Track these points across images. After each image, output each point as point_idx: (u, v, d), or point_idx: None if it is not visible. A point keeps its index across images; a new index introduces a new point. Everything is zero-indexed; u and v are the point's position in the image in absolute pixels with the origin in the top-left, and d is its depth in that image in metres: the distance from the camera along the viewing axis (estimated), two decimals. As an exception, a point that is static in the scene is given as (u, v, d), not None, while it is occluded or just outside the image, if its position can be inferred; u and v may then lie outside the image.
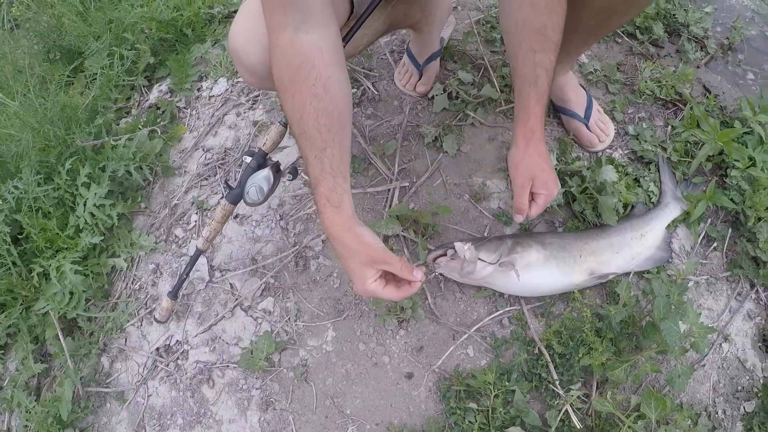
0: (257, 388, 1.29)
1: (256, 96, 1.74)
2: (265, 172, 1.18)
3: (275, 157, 1.36)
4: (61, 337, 1.45)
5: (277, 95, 1.02)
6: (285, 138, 1.28)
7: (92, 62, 1.84)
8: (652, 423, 1.14)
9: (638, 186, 1.45)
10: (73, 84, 2.06)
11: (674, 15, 1.85)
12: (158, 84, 1.89)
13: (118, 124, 1.78)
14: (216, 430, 1.28)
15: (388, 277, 1.00)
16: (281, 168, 1.23)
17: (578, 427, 1.15)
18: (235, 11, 2.04)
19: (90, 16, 1.93)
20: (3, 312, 1.54)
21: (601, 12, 1.16)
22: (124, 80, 1.79)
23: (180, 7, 1.91)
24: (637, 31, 1.81)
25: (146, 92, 1.89)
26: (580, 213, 1.38)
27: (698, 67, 1.80)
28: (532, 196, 1.15)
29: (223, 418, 1.29)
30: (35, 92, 1.71)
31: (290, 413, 1.26)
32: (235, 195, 1.21)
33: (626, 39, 1.81)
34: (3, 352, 1.53)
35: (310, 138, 0.94)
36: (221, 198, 1.33)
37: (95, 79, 1.89)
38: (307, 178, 1.54)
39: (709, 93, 1.71)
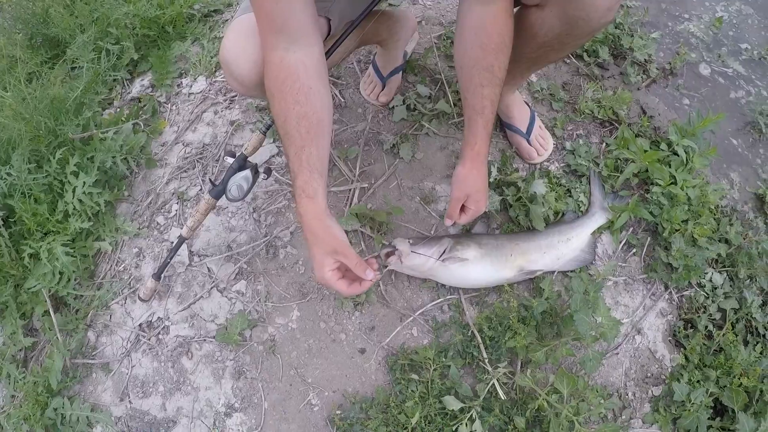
0: (231, 360, 1.59)
1: (233, 96, 2.03)
2: (245, 173, 1.46)
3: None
4: (51, 312, 1.70)
5: (268, 102, 1.28)
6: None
7: (77, 54, 2.09)
8: (564, 397, 1.50)
9: (569, 196, 1.78)
10: (53, 69, 2.34)
11: (620, 40, 2.22)
12: (140, 78, 2.16)
13: (102, 115, 2.07)
14: (194, 396, 1.57)
15: (345, 272, 1.24)
16: (259, 169, 1.55)
17: (503, 398, 1.47)
18: (215, 10, 2.34)
19: (76, 8, 2.19)
20: None
21: (541, 48, 1.45)
22: (109, 75, 2.08)
23: (163, 6, 2.17)
24: (585, 53, 2.13)
25: (128, 85, 2.16)
26: (515, 218, 1.71)
27: (639, 89, 2.14)
28: (463, 208, 1.46)
29: (201, 386, 1.58)
30: (25, 84, 1.99)
31: (259, 381, 1.56)
32: (218, 191, 1.48)
33: (574, 60, 2.13)
34: None
35: (292, 137, 1.22)
36: (205, 193, 1.64)
37: (78, 68, 2.15)
38: (279, 177, 1.85)
39: (645, 114, 2.08)
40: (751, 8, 2.59)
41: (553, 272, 1.66)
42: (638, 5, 2.43)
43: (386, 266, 1.54)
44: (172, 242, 1.76)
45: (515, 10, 1.36)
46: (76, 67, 2.18)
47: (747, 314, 1.73)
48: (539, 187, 1.67)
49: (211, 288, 1.69)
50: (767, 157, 2.11)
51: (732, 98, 2.24)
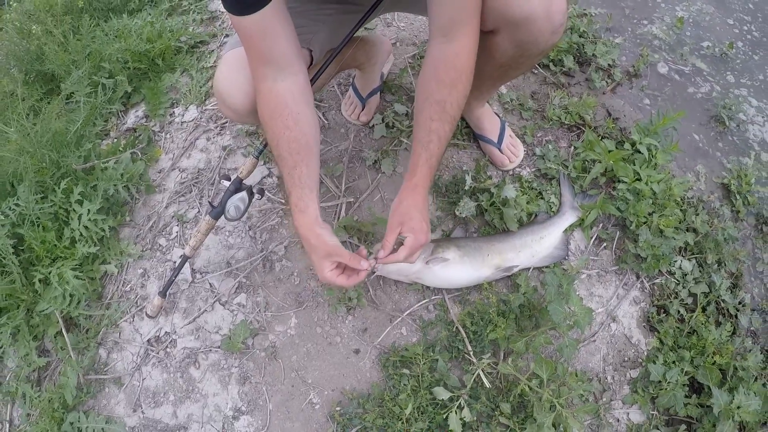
0: (236, 367, 1.76)
1: (224, 123, 2.23)
2: (242, 195, 1.65)
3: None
4: (64, 332, 1.87)
5: (261, 127, 1.46)
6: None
7: (73, 88, 2.28)
8: (544, 381, 1.68)
9: (541, 198, 1.96)
10: (49, 104, 2.53)
11: (584, 48, 2.42)
12: (134, 109, 2.35)
13: (100, 146, 2.26)
14: (203, 402, 1.74)
15: (344, 269, 1.43)
16: (253, 190, 1.74)
17: (488, 386, 1.65)
18: (200, 42, 2.54)
19: (70, 45, 2.39)
20: (4, 315, 2.00)
21: (500, 67, 1.63)
22: (105, 108, 2.28)
23: (152, 39, 2.38)
24: (551, 63, 2.33)
25: (123, 116, 2.35)
26: (490, 221, 1.90)
27: (604, 93, 2.34)
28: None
29: (209, 393, 1.75)
30: (26, 119, 2.17)
31: (263, 385, 1.73)
32: (218, 212, 1.66)
33: (541, 70, 2.33)
34: (2, 351, 2.00)
35: (284, 159, 1.41)
36: (205, 215, 1.82)
37: (73, 100, 2.33)
38: (271, 196, 2.04)
39: (610, 116, 2.28)
40: (712, 6, 2.82)
41: (528, 269, 1.85)
42: (602, 12, 2.65)
43: (374, 272, 1.72)
44: (175, 262, 1.95)
45: None
46: (71, 101, 2.37)
47: (717, 297, 1.91)
48: (510, 191, 1.86)
49: (214, 302, 1.88)
50: (731, 148, 2.32)
51: (695, 95, 2.45)
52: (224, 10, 2.65)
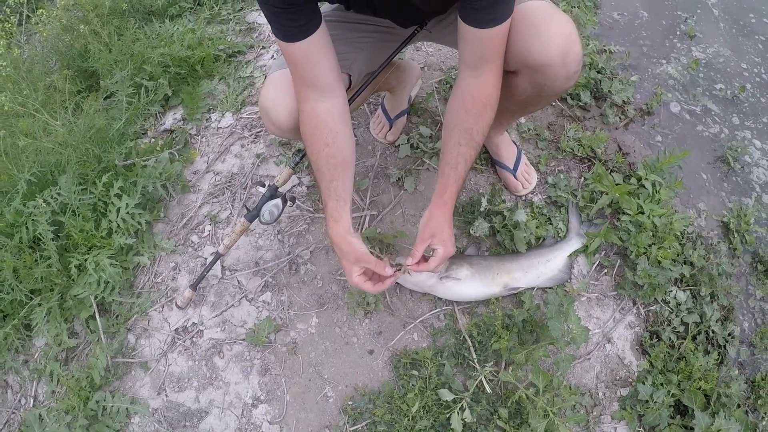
0: (258, 359, 2.01)
1: (258, 131, 2.49)
2: (277, 201, 1.90)
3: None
4: (97, 316, 2.10)
5: (303, 143, 1.71)
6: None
7: (116, 88, 2.53)
8: (540, 390, 1.92)
9: (549, 224, 2.22)
10: (87, 97, 2.77)
11: (600, 84, 2.68)
12: (172, 112, 2.62)
13: (138, 144, 2.53)
14: (224, 390, 1.98)
15: (371, 275, 1.68)
16: (287, 198, 1.99)
17: (489, 391, 1.89)
18: (238, 51, 2.81)
19: (114, 46, 2.64)
20: (38, 296, 2.21)
21: (519, 103, 1.87)
22: (147, 110, 2.55)
23: (192, 47, 2.65)
24: (569, 97, 2.58)
25: (161, 117, 2.62)
26: (501, 242, 2.15)
27: (617, 128, 2.60)
28: (432, 250, 1.73)
29: (231, 381, 1.99)
30: (72, 114, 2.43)
31: (282, 377, 1.98)
32: (253, 216, 1.91)
33: (559, 103, 2.59)
34: (37, 329, 2.24)
35: (322, 173, 1.66)
36: (241, 217, 2.08)
37: (115, 100, 2.58)
38: (300, 204, 2.29)
39: (620, 151, 2.54)
40: (729, 50, 3.08)
41: (533, 288, 2.10)
42: (621, 50, 2.91)
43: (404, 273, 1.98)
44: (206, 258, 2.20)
45: None
46: (108, 97, 2.64)
47: (707, 327, 2.12)
48: (521, 215, 2.13)
49: (241, 298, 2.13)
50: (734, 188, 2.54)
51: (704, 135, 2.69)
52: (261, 23, 2.95)
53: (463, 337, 2.01)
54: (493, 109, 1.67)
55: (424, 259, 1.73)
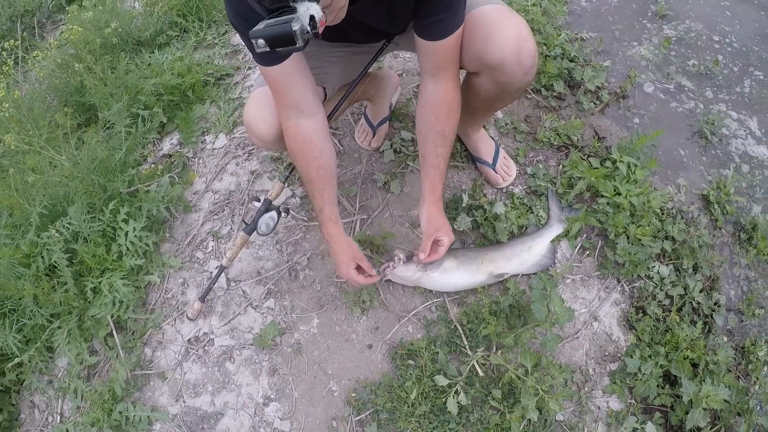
0: (266, 361, 2.24)
1: (251, 149, 2.74)
2: (272, 213, 2.14)
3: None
4: (115, 333, 2.33)
5: (290, 157, 1.97)
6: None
7: (114, 119, 2.75)
8: (528, 369, 2.13)
9: (531, 213, 2.43)
10: (87, 129, 3.03)
11: (573, 72, 2.88)
12: (168, 137, 2.87)
13: (140, 171, 2.78)
14: (237, 392, 2.22)
15: (360, 270, 2.05)
16: (281, 210, 2.22)
17: (481, 374, 2.11)
18: (226, 74, 3.07)
19: (108, 80, 2.89)
20: (57, 320, 2.44)
21: (487, 101, 2.08)
22: (145, 138, 2.81)
23: (182, 74, 2.91)
24: (543, 88, 2.78)
25: (158, 143, 2.87)
26: (484, 234, 2.37)
27: (593, 114, 2.80)
28: (437, 242, 2.06)
29: (243, 383, 2.23)
30: (73, 148, 2.68)
31: (290, 376, 2.21)
32: (250, 229, 2.15)
33: (534, 95, 2.80)
34: (59, 350, 2.46)
35: (314, 183, 1.94)
36: (239, 231, 2.32)
37: (114, 130, 2.83)
38: (295, 215, 2.53)
39: (597, 136, 2.75)
40: (700, 24, 3.26)
41: (518, 275, 2.32)
42: (594, 36, 3.12)
43: (385, 276, 2.23)
44: (212, 272, 2.45)
45: (463, 75, 2.04)
46: (107, 128, 2.89)
47: (691, 299, 2.31)
48: (499, 208, 2.36)
49: (246, 306, 2.38)
50: (713, 161, 2.72)
51: (680, 111, 2.87)
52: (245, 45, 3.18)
53: (454, 325, 2.24)
54: (457, 110, 1.94)
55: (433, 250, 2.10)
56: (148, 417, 2.22)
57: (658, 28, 3.22)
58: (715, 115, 2.86)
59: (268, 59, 1.74)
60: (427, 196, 2.04)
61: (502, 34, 1.79)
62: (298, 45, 1.22)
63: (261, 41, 1.26)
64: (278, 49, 1.26)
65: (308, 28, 1.21)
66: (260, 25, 1.24)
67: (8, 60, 3.02)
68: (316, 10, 1.22)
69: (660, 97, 2.94)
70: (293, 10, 1.21)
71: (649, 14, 3.30)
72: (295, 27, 1.19)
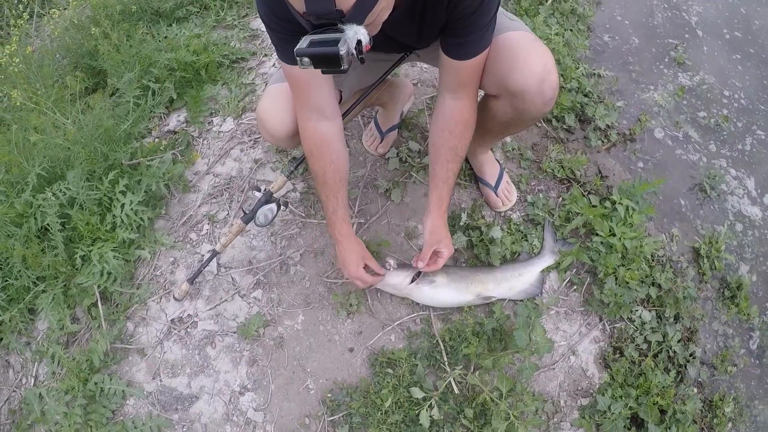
0: (247, 350, 2.35)
1: (257, 138, 2.85)
2: (271, 206, 2.24)
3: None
4: (99, 304, 2.42)
5: (307, 158, 2.07)
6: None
7: (123, 88, 2.84)
8: (503, 394, 2.24)
9: (525, 240, 2.55)
10: (94, 92, 3.11)
11: (585, 107, 3.02)
12: (176, 113, 2.98)
13: (143, 144, 2.88)
14: (215, 377, 2.31)
15: (367, 269, 2.19)
16: (280, 203, 2.33)
17: (456, 392, 2.22)
18: (241, 58, 3.17)
19: (122, 48, 2.97)
20: (43, 283, 2.49)
21: (501, 124, 2.18)
22: (152, 111, 2.90)
23: (198, 52, 3.00)
24: (554, 119, 2.91)
25: (165, 118, 2.97)
26: (477, 255, 2.49)
27: (599, 152, 2.95)
28: (437, 253, 2.19)
29: (221, 370, 2.32)
30: (79, 113, 2.77)
31: (269, 368, 2.32)
32: (248, 218, 2.24)
33: (544, 124, 2.93)
34: (43, 313, 2.46)
35: (329, 185, 2.05)
36: (237, 218, 2.43)
37: (121, 98, 2.92)
38: (293, 209, 2.64)
39: (600, 174, 2.89)
40: (713, 78, 3.43)
41: (505, 300, 2.44)
42: (611, 75, 3.26)
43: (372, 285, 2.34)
44: (203, 255, 2.55)
45: (482, 96, 2.15)
46: (113, 94, 2.98)
47: (669, 347, 2.43)
48: (496, 232, 2.49)
49: (234, 294, 2.48)
50: (707, 215, 2.86)
51: (684, 161, 3.01)
52: (264, 31, 3.29)
53: (437, 340, 2.36)
54: (472, 128, 2.05)
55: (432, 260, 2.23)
56: (123, 391, 2.31)
57: (674, 75, 3.37)
58: (716, 170, 3.00)
59: (294, 58, 1.83)
60: (434, 208, 2.15)
61: (528, 63, 1.88)
62: (342, 68, 1.27)
63: (306, 60, 1.29)
64: (322, 69, 1.31)
65: (354, 53, 1.27)
66: (304, 43, 1.29)
67: (23, 14, 3.10)
68: (363, 35, 1.27)
69: (667, 144, 3.08)
70: (338, 29, 1.26)
71: (667, 60, 3.45)
72: (342, 51, 1.24)
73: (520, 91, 1.92)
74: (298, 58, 1.29)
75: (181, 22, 3.27)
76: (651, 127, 3.11)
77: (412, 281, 2.34)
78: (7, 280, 2.46)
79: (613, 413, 2.28)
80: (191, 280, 2.40)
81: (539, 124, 2.96)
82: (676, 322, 2.53)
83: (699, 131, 3.17)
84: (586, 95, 3.06)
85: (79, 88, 2.88)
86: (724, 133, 3.19)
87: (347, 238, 2.16)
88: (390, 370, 2.30)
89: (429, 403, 2.21)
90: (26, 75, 2.87)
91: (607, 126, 3.00)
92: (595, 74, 3.23)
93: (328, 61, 1.27)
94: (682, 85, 3.30)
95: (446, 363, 2.32)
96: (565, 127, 2.96)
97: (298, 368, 2.34)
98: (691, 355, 2.50)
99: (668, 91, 3.28)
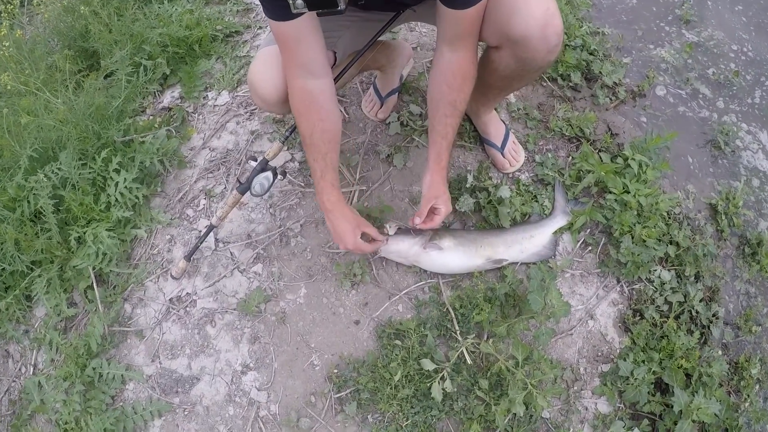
0: (248, 328, 2.12)
1: (253, 109, 2.59)
2: (267, 174, 2.01)
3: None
4: (95, 286, 2.21)
5: (294, 117, 1.83)
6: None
7: (116, 67, 2.63)
8: (519, 362, 2.01)
9: (535, 201, 2.30)
10: (88, 76, 2.88)
11: (591, 65, 2.74)
12: (170, 90, 2.73)
13: (137, 121, 2.63)
14: (216, 357, 2.09)
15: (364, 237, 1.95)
16: (277, 171, 2.09)
17: (469, 362, 2.00)
18: (236, 31, 2.92)
19: (113, 26, 2.74)
20: (38, 268, 2.31)
21: (504, 79, 1.96)
22: (146, 88, 2.66)
23: (191, 27, 2.76)
24: (559, 77, 2.66)
25: (159, 95, 2.72)
26: (486, 217, 2.24)
27: (607, 109, 2.69)
28: (434, 210, 1.96)
29: (222, 349, 2.10)
30: (72, 93, 2.54)
31: (271, 345, 2.08)
32: (244, 188, 2.00)
33: (549, 83, 2.67)
34: (36, 299, 2.32)
35: (317, 146, 1.81)
36: (233, 189, 2.18)
37: (115, 78, 2.67)
38: (292, 179, 2.40)
39: (610, 132, 2.62)
40: (722, 32, 3.15)
41: (517, 263, 2.19)
42: (615, 32, 2.98)
43: (376, 254, 2.10)
44: (200, 231, 2.30)
45: (483, 49, 1.91)
46: (108, 76, 2.74)
47: (691, 307, 2.20)
48: (504, 191, 2.23)
49: (233, 269, 2.24)
50: (723, 171, 2.62)
51: (694, 118, 2.75)
52: (258, 3, 3.03)
53: (447, 309, 2.11)
54: (471, 81, 1.83)
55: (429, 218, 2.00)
56: (122, 375, 2.11)
57: (678, 32, 3.08)
58: (729, 126, 2.73)
59: (281, 14, 1.60)
60: (432, 164, 1.94)
61: (529, 7, 1.66)
62: (339, 8, 1.17)
63: (300, 1, 1.19)
64: (318, 11, 1.21)
65: None
66: None
67: (14, 0, 2.87)
68: None
69: (675, 101, 2.81)
70: None
71: (670, 18, 3.16)
72: None
73: (522, 38, 1.70)
74: (290, 2, 1.18)
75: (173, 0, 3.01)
76: (658, 83, 2.83)
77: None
78: (1, 266, 2.24)
79: (636, 379, 2.05)
80: (188, 257, 2.17)
81: (544, 83, 2.69)
82: (696, 282, 2.30)
83: (709, 87, 2.88)
84: (591, 53, 2.78)
85: (69, 68, 2.65)
86: (734, 87, 2.91)
87: (337, 205, 1.93)
88: (398, 342, 2.05)
89: (441, 375, 1.97)
90: (17, 59, 2.63)
91: (615, 83, 2.73)
92: (599, 32, 2.95)
93: (324, 1, 1.18)
94: (689, 42, 3.01)
95: (458, 332, 2.07)
96: (571, 85, 2.69)
97: (302, 344, 2.10)
98: (714, 315, 2.26)
99: (674, 48, 2.99)
